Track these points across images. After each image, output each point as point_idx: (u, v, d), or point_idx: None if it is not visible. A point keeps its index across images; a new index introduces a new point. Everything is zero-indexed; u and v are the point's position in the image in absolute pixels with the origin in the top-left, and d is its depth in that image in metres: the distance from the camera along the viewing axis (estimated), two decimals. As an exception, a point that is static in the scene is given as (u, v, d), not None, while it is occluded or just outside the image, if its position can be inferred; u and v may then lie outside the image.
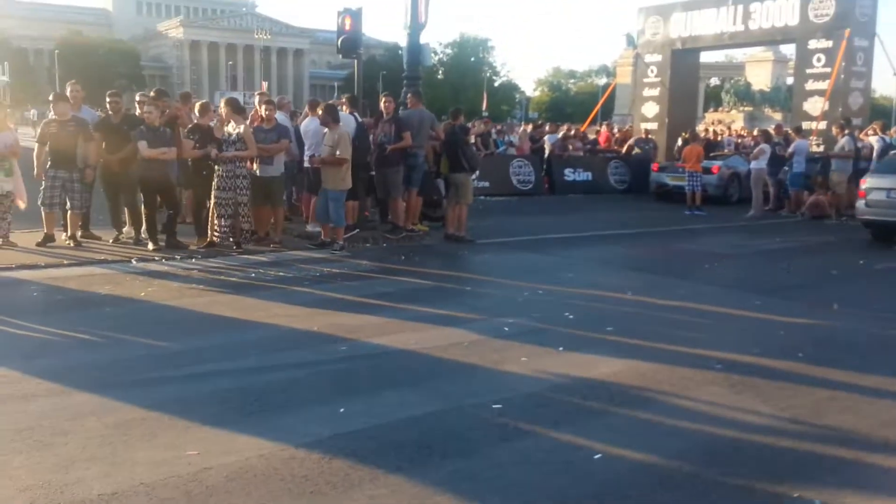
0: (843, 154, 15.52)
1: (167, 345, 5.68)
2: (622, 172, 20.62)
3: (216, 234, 9.74)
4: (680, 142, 18.71)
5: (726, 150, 20.93)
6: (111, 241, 9.89)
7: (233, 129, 9.60)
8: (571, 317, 6.88)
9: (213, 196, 9.62)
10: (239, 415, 4.35)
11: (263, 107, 10.46)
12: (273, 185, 10.13)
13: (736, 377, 5.27)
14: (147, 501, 3.35)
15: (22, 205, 9.64)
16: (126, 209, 10.04)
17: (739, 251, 11.43)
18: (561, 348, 5.86)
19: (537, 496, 3.52)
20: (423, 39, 13.46)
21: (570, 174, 19.81)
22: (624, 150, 21.37)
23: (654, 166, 19.22)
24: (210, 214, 9.77)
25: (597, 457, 3.94)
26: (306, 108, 11.89)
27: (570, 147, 20.69)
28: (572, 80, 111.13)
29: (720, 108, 46.53)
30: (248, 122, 10.28)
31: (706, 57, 29.23)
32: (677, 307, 7.43)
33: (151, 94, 11.39)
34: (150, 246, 9.43)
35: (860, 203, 12.45)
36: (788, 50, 35.51)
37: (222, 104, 10.28)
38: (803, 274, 9.73)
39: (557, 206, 16.70)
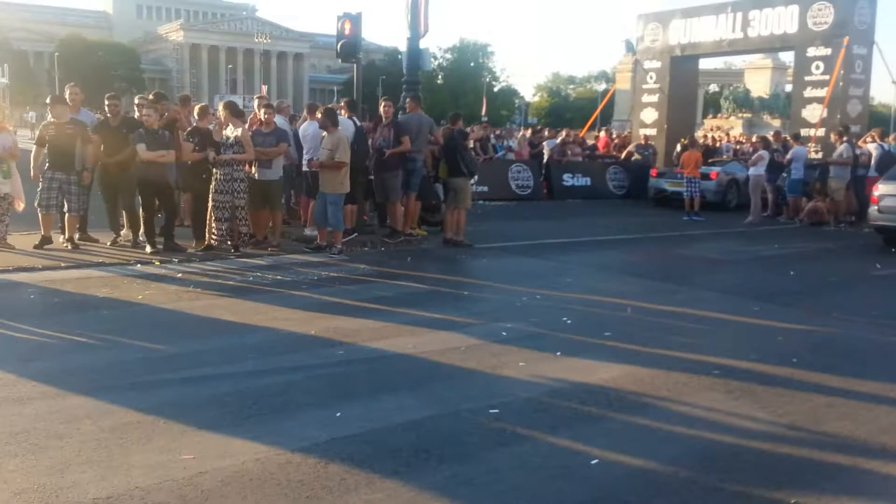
0: (842, 161, 15.55)
1: (164, 348, 5.67)
2: (621, 178, 20.64)
3: (214, 237, 9.74)
4: (679, 148, 18.74)
5: (725, 157, 20.97)
6: (109, 243, 9.87)
7: (231, 132, 9.60)
8: (569, 322, 6.88)
9: (210, 199, 9.62)
10: (235, 418, 4.34)
11: (262, 110, 10.46)
12: (271, 189, 10.13)
13: (734, 383, 5.26)
14: (142, 505, 3.33)
15: (20, 206, 9.63)
16: (124, 212, 10.02)
17: (737, 257, 11.44)
18: (559, 353, 5.85)
19: (534, 501, 3.51)
20: (422, 44, 13.51)
21: (568, 179, 19.83)
22: (623, 155, 21.39)
23: (653, 172, 19.25)
24: (208, 217, 9.76)
25: (594, 462, 3.93)
26: (305, 112, 11.90)
27: (569, 152, 20.74)
28: (571, 86, 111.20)
29: (719, 115, 46.54)
30: (246, 125, 10.28)
31: (705, 63, 29.33)
32: (675, 313, 7.42)
33: (150, 97, 11.39)
34: (148, 249, 9.42)
35: (873, 209, 12.69)
36: (787, 57, 35.56)
37: (221, 107, 10.29)
38: (801, 280, 9.73)
39: (556, 212, 16.71)
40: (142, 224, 9.71)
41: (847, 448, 4.22)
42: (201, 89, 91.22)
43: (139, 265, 8.78)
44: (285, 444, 3.97)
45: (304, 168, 10.86)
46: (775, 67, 45.56)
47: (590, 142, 24.75)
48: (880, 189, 12.60)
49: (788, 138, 17.92)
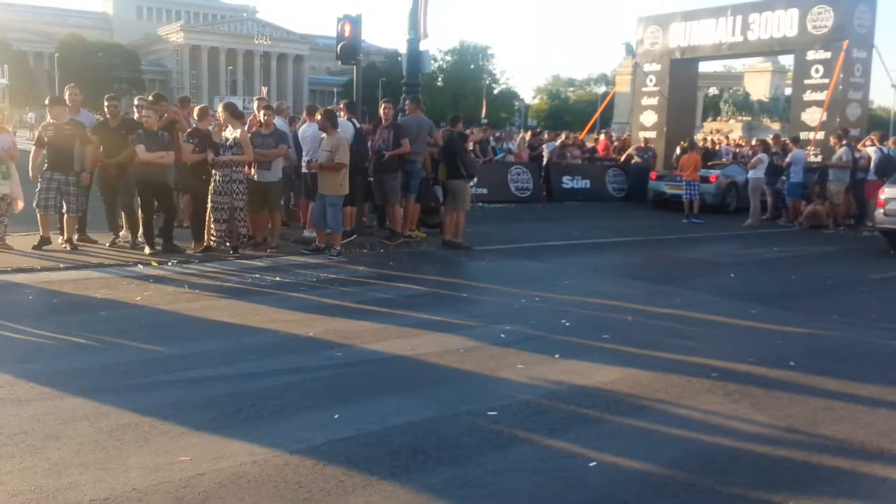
0: (841, 164, 15.58)
1: (162, 349, 5.66)
2: (620, 181, 20.65)
3: (213, 238, 9.73)
4: (678, 151, 18.75)
5: (724, 160, 20.96)
6: (108, 244, 9.87)
7: (230, 133, 9.60)
8: (568, 324, 6.88)
9: (209, 200, 9.61)
10: (233, 420, 4.33)
11: (262, 112, 10.46)
12: (271, 191, 10.13)
13: (732, 386, 5.26)
14: (139, 507, 3.33)
15: (19, 207, 9.62)
16: (123, 213, 10.02)
17: (736, 260, 11.43)
18: (557, 356, 5.85)
19: (532, 503, 3.51)
20: (422, 46, 13.52)
21: (568, 182, 19.84)
22: (623, 158, 21.40)
23: (653, 175, 19.28)
24: (207, 219, 9.76)
25: (592, 465, 3.93)
26: (304, 114, 11.90)
27: (569, 155, 20.74)
28: (571, 89, 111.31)
29: (719, 118, 46.54)
30: (246, 127, 10.28)
31: (705, 67, 29.30)
32: (674, 315, 7.42)
33: (149, 98, 11.39)
34: (147, 250, 9.41)
35: (879, 212, 12.75)
36: (787, 60, 35.67)
37: (220, 109, 10.28)
38: (800, 283, 9.73)
39: (555, 214, 16.71)
40: (141, 225, 9.71)
41: (845, 451, 4.22)
42: (201, 91, 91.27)
43: (138, 266, 8.78)
44: (283, 445, 3.97)
45: (304, 170, 10.87)
46: (775, 71, 45.60)
47: (589, 144, 24.73)
48: (886, 192, 12.64)
49: (788, 142, 17.94)
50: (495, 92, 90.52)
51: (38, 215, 9.53)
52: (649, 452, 4.10)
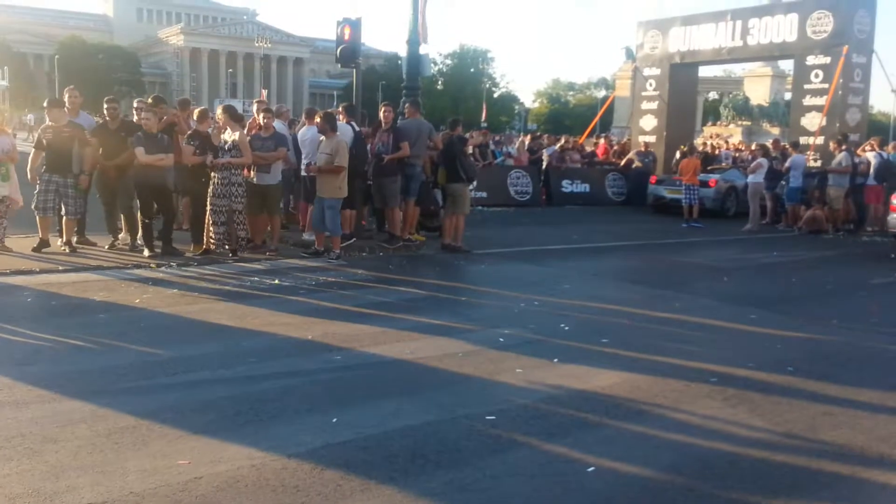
0: (841, 169, 15.58)
1: (161, 352, 5.66)
2: (620, 185, 20.67)
3: (212, 241, 9.72)
4: (678, 155, 18.76)
5: (724, 164, 20.99)
6: (107, 247, 9.87)
7: (229, 136, 9.60)
8: (567, 328, 6.87)
9: (208, 203, 9.61)
10: (231, 424, 4.33)
11: (261, 115, 10.46)
12: (270, 193, 10.12)
13: (731, 391, 5.25)
14: (136, 510, 3.32)
15: (19, 204, 9.61)
16: (122, 215, 10.01)
17: (736, 265, 11.43)
18: (556, 360, 5.84)
19: (530, 509, 3.50)
20: (422, 50, 13.54)
21: (567, 186, 19.86)
22: (623, 162, 21.42)
23: (652, 179, 19.28)
24: (206, 222, 9.75)
25: (590, 469, 3.92)
26: (304, 117, 11.90)
27: (568, 159, 20.75)
28: (571, 93, 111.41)
29: (718, 122, 46.58)
30: (245, 129, 10.28)
31: (705, 71, 29.41)
32: (673, 320, 7.42)
33: (149, 100, 11.38)
34: (146, 252, 9.40)
35: (892, 217, 13.13)
36: (787, 65, 35.73)
37: (219, 111, 10.28)
38: (800, 288, 9.73)
39: (555, 218, 16.72)
40: (140, 228, 9.70)
41: (845, 457, 4.21)
42: (201, 93, 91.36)
43: (137, 269, 8.78)
44: (281, 449, 3.96)
45: (303, 173, 10.86)
46: (775, 76, 45.65)
47: (589, 148, 24.76)
48: None
49: (787, 146, 17.95)
50: (495, 96, 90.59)
51: (37, 217, 9.53)
52: (648, 457, 4.09)
